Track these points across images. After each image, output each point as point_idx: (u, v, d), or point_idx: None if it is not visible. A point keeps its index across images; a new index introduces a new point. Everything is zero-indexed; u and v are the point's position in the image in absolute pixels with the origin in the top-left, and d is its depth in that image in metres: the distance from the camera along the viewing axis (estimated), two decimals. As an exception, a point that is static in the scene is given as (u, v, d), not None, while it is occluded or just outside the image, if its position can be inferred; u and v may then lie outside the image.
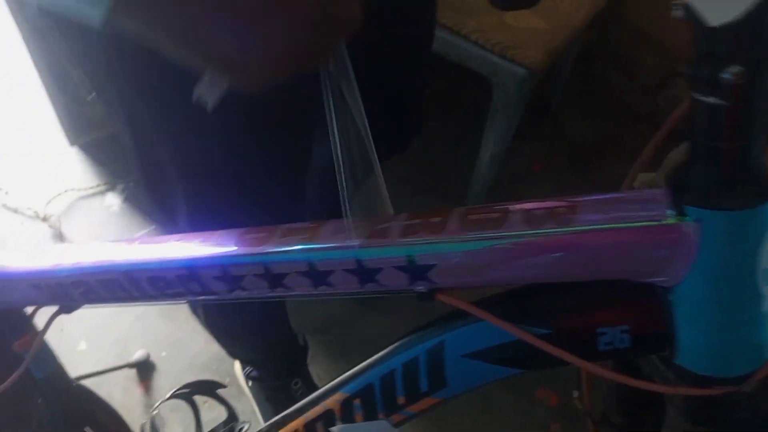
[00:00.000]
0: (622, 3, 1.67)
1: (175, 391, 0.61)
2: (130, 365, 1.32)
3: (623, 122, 1.80)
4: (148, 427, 0.59)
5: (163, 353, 1.38)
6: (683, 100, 0.33)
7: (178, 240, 0.48)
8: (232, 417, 0.62)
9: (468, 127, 1.68)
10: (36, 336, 0.57)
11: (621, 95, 1.85)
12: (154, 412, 0.62)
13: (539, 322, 0.40)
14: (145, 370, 1.34)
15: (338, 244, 0.41)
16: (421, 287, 0.41)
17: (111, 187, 1.75)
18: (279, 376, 1.10)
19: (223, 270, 0.44)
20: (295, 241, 0.42)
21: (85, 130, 1.82)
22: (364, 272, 0.41)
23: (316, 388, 0.65)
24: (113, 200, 1.73)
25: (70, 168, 1.80)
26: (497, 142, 1.45)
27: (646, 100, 1.78)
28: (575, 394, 0.48)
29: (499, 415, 1.23)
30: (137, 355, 1.34)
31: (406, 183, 1.63)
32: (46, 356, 0.62)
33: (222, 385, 0.63)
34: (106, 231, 1.64)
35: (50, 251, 0.53)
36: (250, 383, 1.18)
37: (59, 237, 1.61)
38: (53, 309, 0.56)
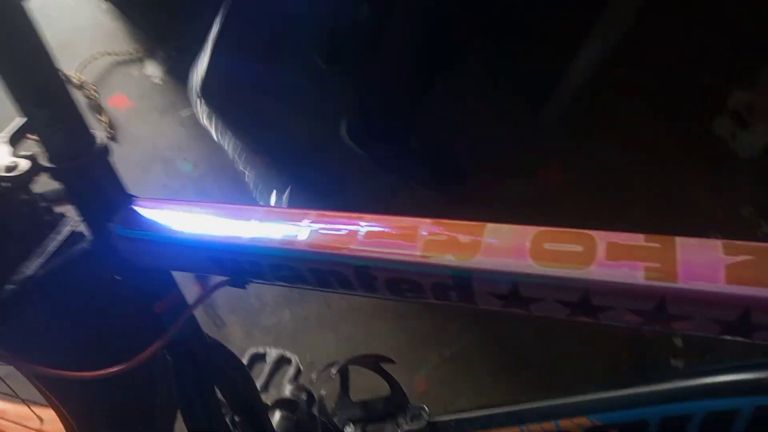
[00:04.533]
0: None
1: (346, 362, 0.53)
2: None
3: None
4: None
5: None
6: None
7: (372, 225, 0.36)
8: (396, 396, 0.53)
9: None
10: (180, 304, 0.46)
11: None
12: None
13: None
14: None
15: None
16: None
17: (150, 53, 1.55)
18: None
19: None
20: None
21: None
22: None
23: None
24: (153, 70, 1.54)
25: (103, 28, 1.59)
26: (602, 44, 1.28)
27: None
28: None
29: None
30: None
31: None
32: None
33: (390, 360, 0.54)
34: (147, 104, 1.48)
35: (208, 213, 0.41)
36: None
37: (97, 109, 1.44)
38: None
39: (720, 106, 1.54)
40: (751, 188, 1.49)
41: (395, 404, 0.54)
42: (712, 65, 1.59)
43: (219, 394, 0.59)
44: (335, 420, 0.58)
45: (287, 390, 0.76)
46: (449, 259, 0.34)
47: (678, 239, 0.31)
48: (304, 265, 0.38)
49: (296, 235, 0.38)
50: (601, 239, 0.32)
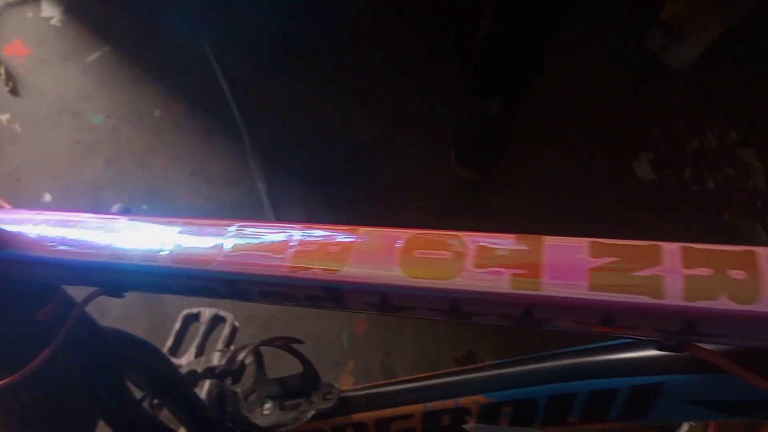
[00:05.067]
0: None
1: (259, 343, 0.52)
2: (110, 222, 1.18)
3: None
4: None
5: (144, 206, 1.23)
6: None
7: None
8: (310, 373, 0.53)
9: None
10: (67, 307, 0.44)
11: None
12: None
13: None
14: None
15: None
16: (670, 341, 0.30)
17: (43, -9, 1.40)
18: None
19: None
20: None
21: None
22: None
23: None
24: (50, 10, 1.39)
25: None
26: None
27: None
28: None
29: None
30: (115, 209, 1.19)
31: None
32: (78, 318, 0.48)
33: (298, 340, 0.53)
34: (47, 50, 1.35)
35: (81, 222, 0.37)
36: None
37: (-9, 59, 1.31)
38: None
39: (651, 19, 1.51)
40: (682, 102, 1.50)
41: (309, 381, 0.54)
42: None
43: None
44: (254, 397, 0.57)
45: (215, 357, 0.75)
46: (316, 272, 0.32)
47: (546, 240, 0.30)
48: (170, 280, 0.35)
49: (160, 250, 0.35)
50: (472, 243, 0.31)
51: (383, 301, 0.32)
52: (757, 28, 1.53)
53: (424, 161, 1.30)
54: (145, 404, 0.62)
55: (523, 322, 0.30)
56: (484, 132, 1.28)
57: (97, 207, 1.21)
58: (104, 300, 0.42)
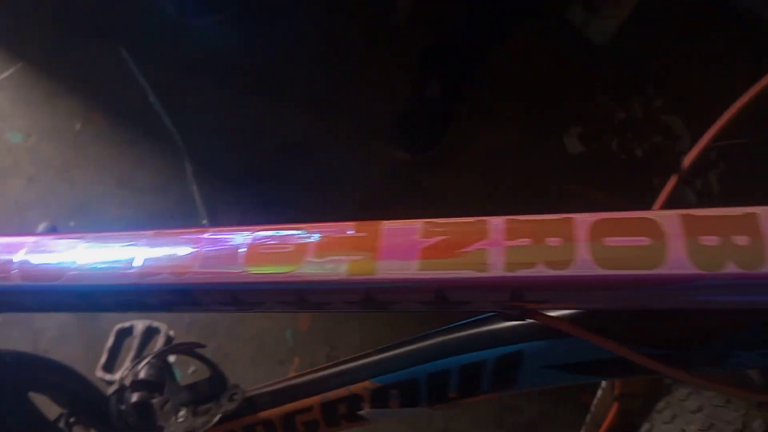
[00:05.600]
0: None
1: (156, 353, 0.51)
2: (37, 241, 1.15)
3: None
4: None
5: (71, 223, 1.20)
6: None
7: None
8: (217, 377, 0.53)
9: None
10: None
11: None
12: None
13: (655, 342, 0.32)
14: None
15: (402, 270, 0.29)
16: (513, 310, 0.31)
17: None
18: None
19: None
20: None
21: None
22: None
23: None
24: (-44, 28, 1.34)
25: None
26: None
27: None
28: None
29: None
30: (41, 228, 1.16)
31: None
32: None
33: (200, 345, 0.53)
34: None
35: None
36: None
37: None
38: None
39: (570, -5, 1.54)
40: (606, 74, 1.54)
41: (216, 385, 0.53)
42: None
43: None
44: (169, 406, 0.57)
45: (142, 370, 0.74)
46: (164, 277, 0.32)
47: (384, 224, 0.31)
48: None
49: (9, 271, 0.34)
50: (313, 232, 0.31)
51: (233, 299, 0.32)
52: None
53: (357, 150, 1.30)
54: (62, 423, 0.60)
55: (367, 306, 0.31)
56: (421, 113, 1.29)
57: (22, 227, 1.17)
58: (38, 323, 0.41)
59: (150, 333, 1.03)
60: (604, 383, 0.62)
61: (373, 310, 0.31)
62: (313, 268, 0.30)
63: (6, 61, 1.32)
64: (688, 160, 0.42)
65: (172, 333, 1.04)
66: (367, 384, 0.42)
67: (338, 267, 0.30)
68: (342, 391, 0.44)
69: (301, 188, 1.26)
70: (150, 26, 1.37)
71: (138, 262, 0.32)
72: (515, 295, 0.28)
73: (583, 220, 0.28)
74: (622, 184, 1.39)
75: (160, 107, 1.27)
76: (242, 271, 0.31)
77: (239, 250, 0.31)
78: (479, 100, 1.40)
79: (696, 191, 1.44)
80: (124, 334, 1.03)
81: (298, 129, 1.31)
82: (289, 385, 0.48)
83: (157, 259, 0.32)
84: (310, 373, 0.48)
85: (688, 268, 0.26)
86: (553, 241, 0.28)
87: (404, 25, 1.26)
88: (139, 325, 1.03)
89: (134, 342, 1.01)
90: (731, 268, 0.26)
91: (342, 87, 1.36)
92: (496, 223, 0.29)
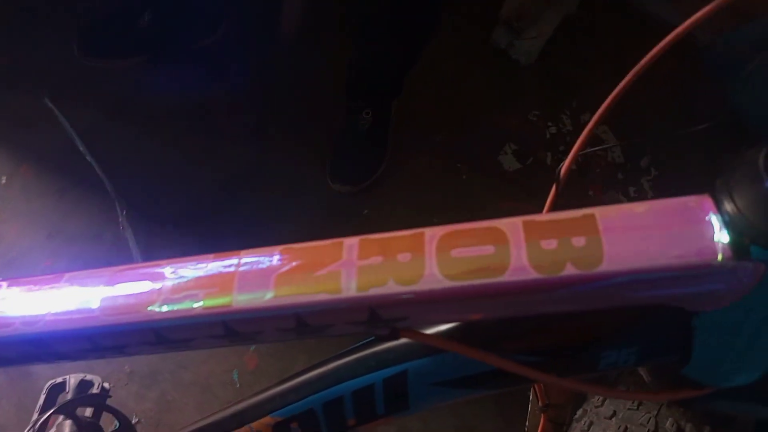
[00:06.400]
0: None
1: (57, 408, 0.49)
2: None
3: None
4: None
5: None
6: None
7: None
8: (125, 426, 0.51)
9: None
10: None
11: None
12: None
13: (527, 350, 0.32)
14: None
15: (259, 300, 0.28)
16: (382, 330, 0.31)
17: None
18: None
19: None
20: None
21: None
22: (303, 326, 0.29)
23: None
24: None
25: None
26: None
27: None
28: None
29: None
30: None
31: None
32: None
33: (107, 395, 0.51)
34: None
35: None
36: None
37: None
38: None
39: (495, 17, 1.59)
40: (534, 93, 1.59)
41: (126, 434, 0.51)
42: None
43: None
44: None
45: (66, 427, 0.71)
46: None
47: (242, 254, 0.30)
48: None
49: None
50: (172, 269, 0.30)
51: (92, 345, 0.31)
52: (592, 10, 1.64)
53: (296, 182, 1.30)
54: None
55: (232, 340, 0.30)
56: (356, 146, 1.30)
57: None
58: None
59: (83, 387, 0.99)
60: (531, 396, 0.62)
61: (238, 344, 0.30)
62: (171, 303, 0.29)
63: None
64: (564, 168, 0.43)
65: (106, 385, 1.00)
66: (267, 419, 0.41)
67: (195, 301, 0.29)
68: (244, 430, 0.43)
69: (241, 223, 1.24)
70: (72, 72, 1.35)
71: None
72: (373, 314, 0.28)
73: (432, 235, 0.28)
74: (561, 197, 1.42)
75: (89, 154, 1.24)
76: (97, 315, 0.30)
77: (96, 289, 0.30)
78: (410, 124, 1.42)
79: (630, 199, 1.48)
80: (57, 389, 0.98)
81: (235, 164, 1.30)
82: (200, 426, 0.47)
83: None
84: (213, 414, 0.46)
85: (529, 274, 0.26)
86: (403, 257, 0.28)
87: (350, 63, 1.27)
88: (71, 379, 0.99)
89: (66, 397, 0.97)
90: (569, 269, 0.26)
91: (281, 120, 1.37)
92: (350, 243, 0.29)
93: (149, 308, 0.29)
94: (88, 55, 1.34)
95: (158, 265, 0.31)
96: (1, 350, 0.31)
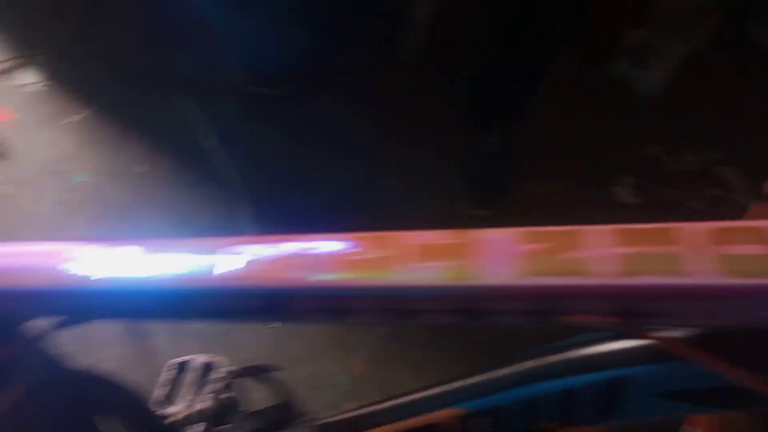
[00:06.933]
0: None
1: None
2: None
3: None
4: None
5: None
6: None
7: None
8: (286, 403, 0.52)
9: None
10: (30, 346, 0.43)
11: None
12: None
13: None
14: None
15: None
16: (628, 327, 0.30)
17: (29, 59, 1.45)
18: None
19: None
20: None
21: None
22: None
23: None
24: (35, 76, 1.43)
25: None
26: None
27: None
28: None
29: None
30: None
31: None
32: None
33: (276, 368, 0.53)
34: (33, 114, 1.38)
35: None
36: None
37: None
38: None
39: (616, 47, 1.55)
40: (655, 126, 1.53)
41: (286, 412, 0.53)
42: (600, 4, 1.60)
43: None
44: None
45: (198, 401, 0.74)
46: (254, 282, 0.32)
47: (481, 233, 0.30)
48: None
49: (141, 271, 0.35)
50: (413, 241, 0.31)
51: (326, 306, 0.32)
52: (720, 47, 1.57)
53: (414, 204, 1.31)
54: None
55: (462, 317, 0.30)
56: (486, 169, 1.30)
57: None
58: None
59: (207, 368, 1.03)
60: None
61: (465, 323, 0.30)
62: (412, 275, 0.29)
63: (75, 107, 1.41)
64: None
65: (231, 368, 1.04)
66: (452, 411, 0.41)
67: (438, 273, 0.29)
68: (425, 418, 0.42)
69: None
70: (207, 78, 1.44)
71: (224, 268, 0.33)
72: (627, 306, 0.27)
73: (696, 229, 0.27)
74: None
75: (220, 152, 1.31)
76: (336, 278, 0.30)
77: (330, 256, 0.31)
78: (536, 148, 1.40)
79: None
80: (180, 369, 1.03)
81: (349, 177, 1.33)
82: (364, 413, 0.47)
83: (248, 263, 0.33)
84: (387, 400, 0.46)
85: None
86: (664, 249, 0.27)
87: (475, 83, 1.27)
88: (198, 359, 1.03)
89: (191, 376, 1.01)
90: None
91: (394, 140, 1.39)
92: (603, 230, 0.29)
93: (391, 276, 0.30)
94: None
95: (381, 236, 0.31)
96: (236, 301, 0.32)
